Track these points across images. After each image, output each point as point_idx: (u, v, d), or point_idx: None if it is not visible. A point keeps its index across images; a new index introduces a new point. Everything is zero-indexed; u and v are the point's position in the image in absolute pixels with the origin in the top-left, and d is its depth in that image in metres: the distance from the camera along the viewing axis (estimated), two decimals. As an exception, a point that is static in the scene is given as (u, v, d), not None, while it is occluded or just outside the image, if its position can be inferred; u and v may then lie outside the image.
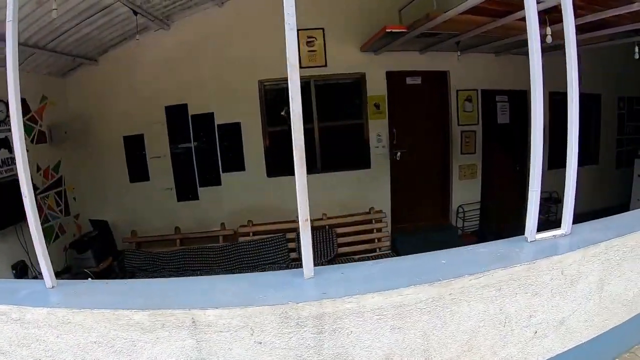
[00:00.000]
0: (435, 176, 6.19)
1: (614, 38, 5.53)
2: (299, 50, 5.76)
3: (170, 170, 5.78)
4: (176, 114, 5.68)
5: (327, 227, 5.54)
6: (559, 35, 2.31)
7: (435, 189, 6.23)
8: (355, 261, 5.34)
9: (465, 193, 6.25)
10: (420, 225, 6.15)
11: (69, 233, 5.63)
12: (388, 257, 5.38)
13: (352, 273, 1.92)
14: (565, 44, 2.12)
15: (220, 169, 5.77)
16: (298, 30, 5.78)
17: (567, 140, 2.33)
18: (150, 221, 5.78)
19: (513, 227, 6.86)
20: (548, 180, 6.82)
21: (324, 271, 1.91)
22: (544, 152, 2.35)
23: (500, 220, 6.78)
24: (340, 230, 5.56)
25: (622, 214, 2.89)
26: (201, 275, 5.44)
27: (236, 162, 5.75)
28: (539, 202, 2.20)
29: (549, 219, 7.00)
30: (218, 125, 5.69)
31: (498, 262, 1.90)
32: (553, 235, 2.26)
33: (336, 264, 5.44)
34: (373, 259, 5.46)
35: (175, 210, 5.84)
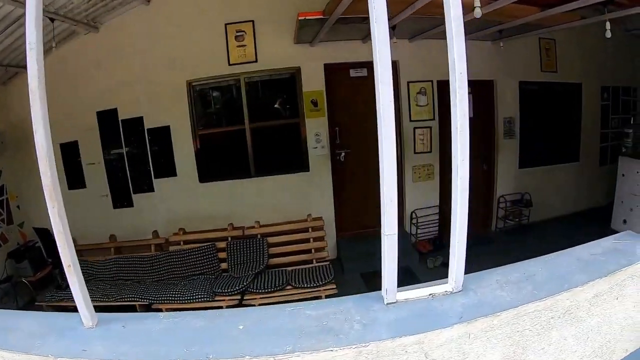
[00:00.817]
0: (386, 178, 5.59)
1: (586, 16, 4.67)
2: (226, 46, 5.42)
3: (104, 177, 5.63)
4: (107, 119, 5.50)
5: (258, 235, 5.17)
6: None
7: (387, 193, 5.64)
8: (287, 272, 4.95)
9: (421, 197, 5.62)
10: (369, 232, 5.59)
11: (12, 242, 5.64)
12: (326, 267, 4.93)
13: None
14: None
15: (153, 175, 5.54)
16: (225, 24, 5.38)
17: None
18: (89, 228, 5.67)
19: (479, 236, 6.09)
20: (519, 180, 6.06)
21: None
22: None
23: None
24: (274, 239, 5.18)
25: (556, 253, 2.11)
26: (132, 284, 5.32)
27: (168, 167, 5.49)
28: (395, 251, 1.54)
29: (521, 223, 6.21)
30: (148, 129, 5.44)
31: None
32: (430, 295, 1.56)
33: (266, 275, 5.14)
34: (309, 270, 5.06)
35: (111, 217, 5.70)
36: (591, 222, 6.76)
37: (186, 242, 5.30)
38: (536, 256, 2.07)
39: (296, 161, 5.42)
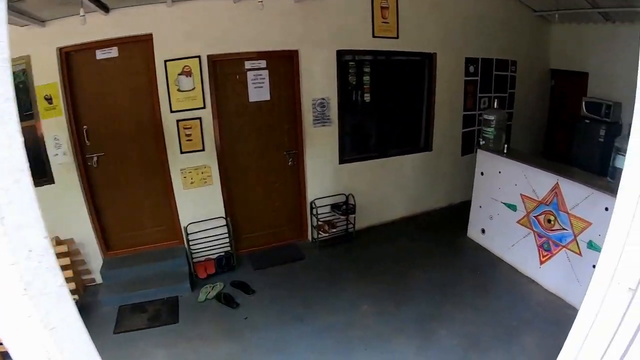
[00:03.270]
0: (155, 186, 4.49)
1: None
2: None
3: None
4: None
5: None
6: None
7: (159, 203, 4.55)
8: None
9: (198, 207, 4.49)
10: (145, 251, 4.58)
11: None
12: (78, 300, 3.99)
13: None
14: None
15: None
16: None
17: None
18: None
19: (291, 248, 5.21)
20: (340, 178, 4.89)
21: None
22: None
23: (266, 237, 4.97)
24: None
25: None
26: None
27: None
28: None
29: (348, 231, 4.98)
30: None
31: None
32: None
33: None
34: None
35: None
36: (445, 227, 5.49)
37: None
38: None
39: (37, 173, 4.42)
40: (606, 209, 3.56)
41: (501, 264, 4.72)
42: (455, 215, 5.79)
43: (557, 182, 4.01)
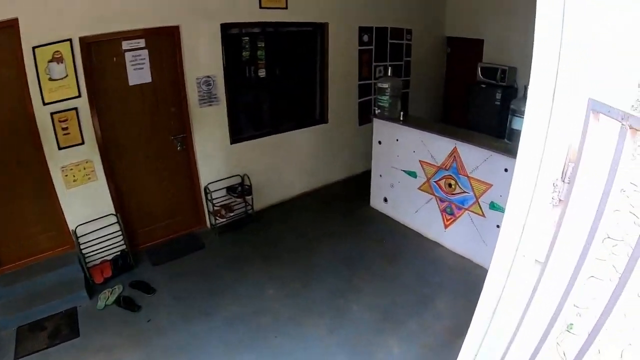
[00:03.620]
0: (36, 189, 3.99)
1: None
2: None
3: None
4: None
5: None
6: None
7: (43, 208, 4.06)
8: None
9: (86, 206, 4.08)
10: (37, 261, 4.09)
11: None
12: None
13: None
14: None
15: None
16: None
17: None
18: None
19: (190, 237, 4.69)
20: (233, 159, 4.46)
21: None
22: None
23: (163, 230, 4.72)
24: None
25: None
26: None
27: None
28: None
29: (248, 213, 4.86)
30: None
31: None
32: None
33: None
34: None
35: None
36: (348, 199, 5.58)
37: None
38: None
39: None
40: (505, 170, 3.71)
41: (407, 231, 4.85)
42: (358, 186, 5.86)
43: (455, 147, 4.14)
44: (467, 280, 3.99)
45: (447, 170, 4.32)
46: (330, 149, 5.83)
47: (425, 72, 6.92)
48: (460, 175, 4.20)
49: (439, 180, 4.44)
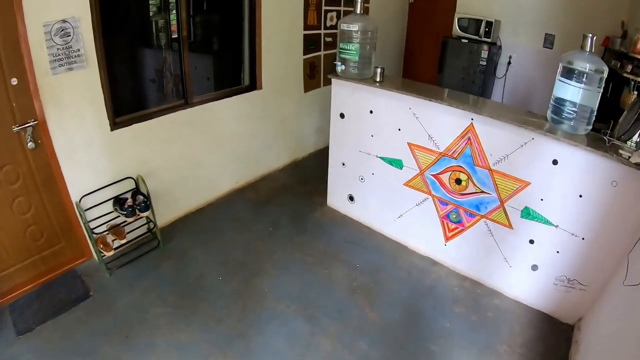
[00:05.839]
0: None
1: None
2: None
3: None
4: None
5: None
6: None
7: None
8: None
9: None
10: None
11: None
12: None
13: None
14: None
15: None
16: None
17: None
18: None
19: (61, 280, 3.00)
20: (119, 154, 3.09)
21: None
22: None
23: (30, 271, 2.81)
24: None
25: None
26: None
27: None
28: None
29: (151, 231, 3.07)
30: None
31: None
32: None
33: None
34: None
35: None
36: (296, 196, 4.06)
37: None
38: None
39: None
40: (554, 162, 2.30)
41: (385, 244, 3.36)
42: (308, 176, 4.28)
43: (472, 124, 2.65)
44: (485, 318, 2.67)
45: (455, 159, 2.85)
46: (266, 124, 4.10)
47: (382, 24, 5.37)
48: (477, 168, 2.75)
49: (441, 173, 2.96)
